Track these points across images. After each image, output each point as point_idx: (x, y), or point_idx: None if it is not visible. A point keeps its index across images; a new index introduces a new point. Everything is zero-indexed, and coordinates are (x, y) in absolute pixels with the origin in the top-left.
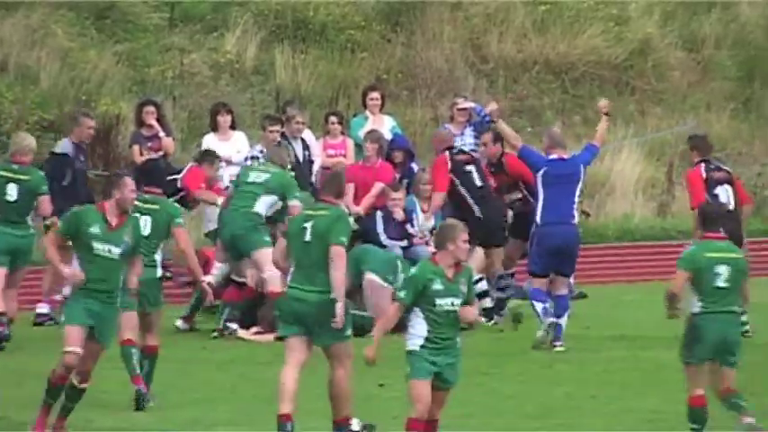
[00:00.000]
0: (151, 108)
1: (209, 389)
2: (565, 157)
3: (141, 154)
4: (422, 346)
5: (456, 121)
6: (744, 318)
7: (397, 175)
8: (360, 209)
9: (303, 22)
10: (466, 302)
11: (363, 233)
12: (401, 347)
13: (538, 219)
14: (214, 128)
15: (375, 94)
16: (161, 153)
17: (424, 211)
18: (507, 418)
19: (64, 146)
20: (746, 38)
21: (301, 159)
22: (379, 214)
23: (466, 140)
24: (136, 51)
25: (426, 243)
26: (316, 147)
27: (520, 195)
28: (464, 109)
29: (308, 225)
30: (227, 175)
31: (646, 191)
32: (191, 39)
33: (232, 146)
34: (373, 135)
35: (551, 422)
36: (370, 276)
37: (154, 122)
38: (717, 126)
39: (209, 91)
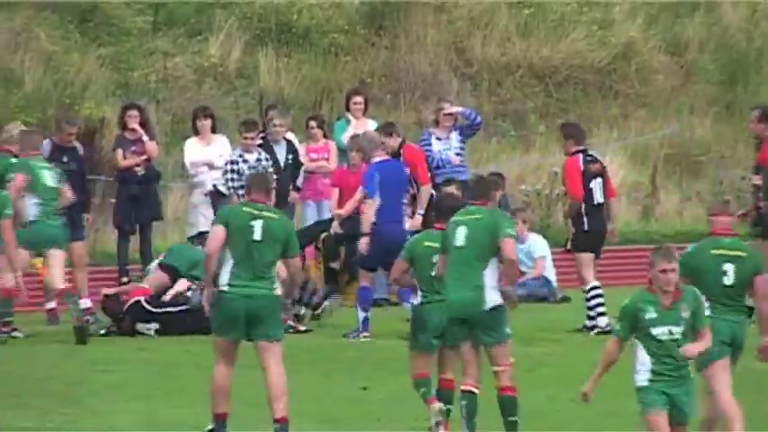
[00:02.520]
0: (134, 112)
1: (193, 391)
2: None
3: (125, 158)
4: (651, 380)
5: (441, 125)
6: None
7: None
8: (343, 211)
9: (287, 26)
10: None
11: (350, 235)
12: (385, 350)
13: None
14: (196, 132)
15: (358, 98)
16: (144, 157)
17: (409, 216)
18: (489, 423)
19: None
20: (729, 42)
21: (282, 163)
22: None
23: (452, 144)
24: (119, 55)
25: None
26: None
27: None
28: (450, 114)
29: (257, 224)
30: (209, 179)
31: (629, 195)
32: (174, 42)
33: (213, 150)
34: (357, 141)
35: (534, 426)
36: None
37: (137, 126)
38: (700, 130)
39: (192, 94)
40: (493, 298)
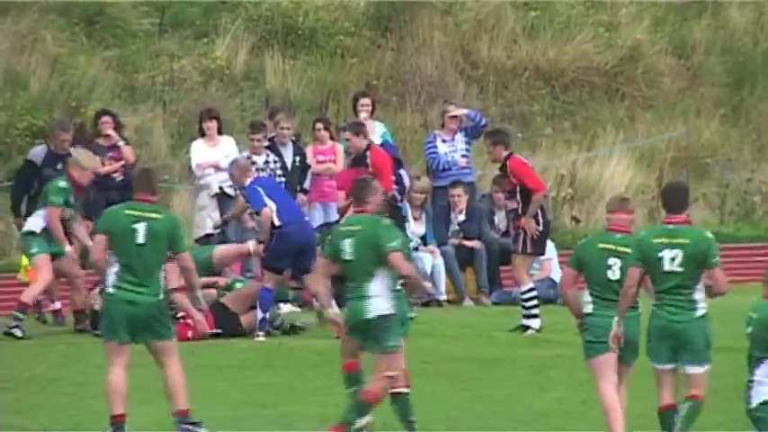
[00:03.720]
0: (107, 118)
1: (198, 393)
2: None
3: (103, 164)
4: None
5: (447, 127)
6: None
7: None
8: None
9: (293, 28)
10: None
11: None
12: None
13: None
14: (202, 134)
15: (365, 100)
16: (122, 163)
17: (415, 219)
18: (496, 424)
19: (34, 153)
20: (735, 44)
21: (290, 165)
22: None
23: (457, 147)
24: (125, 57)
25: (416, 249)
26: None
27: (515, 206)
28: (455, 116)
29: (140, 227)
30: (215, 181)
31: (636, 197)
32: (180, 44)
33: (220, 151)
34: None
35: (541, 427)
36: None
37: (111, 132)
38: (706, 132)
39: (198, 97)
40: (378, 307)
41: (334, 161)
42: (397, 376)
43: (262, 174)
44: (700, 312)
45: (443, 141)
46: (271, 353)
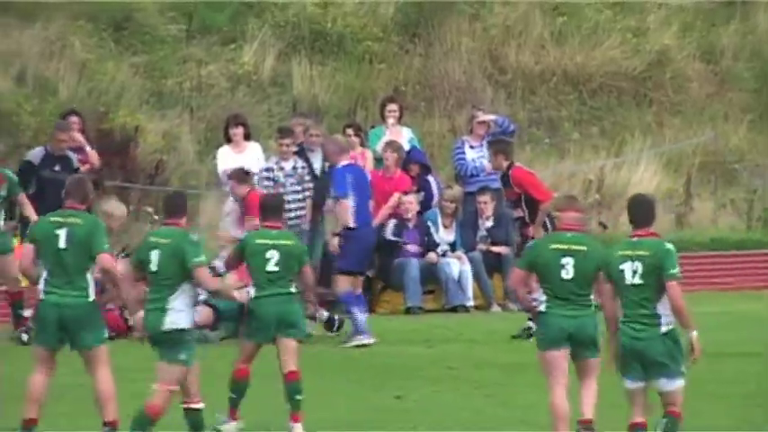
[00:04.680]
0: (75, 119)
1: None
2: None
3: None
4: None
5: (475, 133)
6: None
7: (414, 188)
8: (377, 219)
9: (320, 34)
10: None
11: (384, 242)
12: (418, 358)
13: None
14: (228, 140)
15: (393, 106)
16: (87, 166)
17: (445, 226)
18: (520, 429)
19: (32, 154)
20: (764, 49)
21: (319, 171)
22: (392, 221)
23: (485, 152)
24: (153, 63)
25: (443, 255)
26: None
27: (521, 214)
28: (483, 122)
29: (62, 232)
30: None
31: (663, 202)
32: (208, 50)
33: (246, 157)
34: (393, 145)
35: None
36: None
37: (78, 135)
38: (734, 137)
39: (226, 102)
40: (173, 320)
41: (364, 166)
42: (188, 391)
43: (289, 179)
44: (663, 329)
45: (471, 147)
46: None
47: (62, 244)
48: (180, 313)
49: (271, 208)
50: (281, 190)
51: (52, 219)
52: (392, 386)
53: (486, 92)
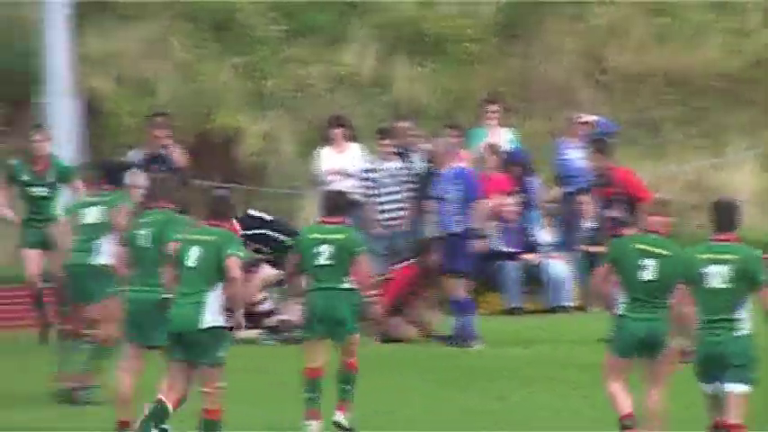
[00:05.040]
0: (162, 119)
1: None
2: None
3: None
4: None
5: (575, 134)
6: None
7: (515, 189)
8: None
9: (421, 35)
10: None
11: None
12: (516, 359)
13: None
14: (329, 141)
15: (493, 107)
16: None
17: (545, 227)
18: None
19: (130, 155)
20: None
21: (419, 171)
22: (493, 223)
23: (582, 153)
24: (254, 64)
25: (544, 256)
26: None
27: (616, 214)
28: (584, 122)
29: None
30: (342, 187)
31: (765, 204)
32: (309, 51)
33: (347, 158)
34: (494, 147)
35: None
36: None
37: (164, 134)
38: None
39: (326, 103)
40: (210, 318)
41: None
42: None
43: (389, 180)
44: (742, 333)
45: (572, 148)
46: (392, 357)
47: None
48: (216, 311)
49: (331, 205)
50: (382, 191)
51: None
52: (491, 387)
53: (586, 93)
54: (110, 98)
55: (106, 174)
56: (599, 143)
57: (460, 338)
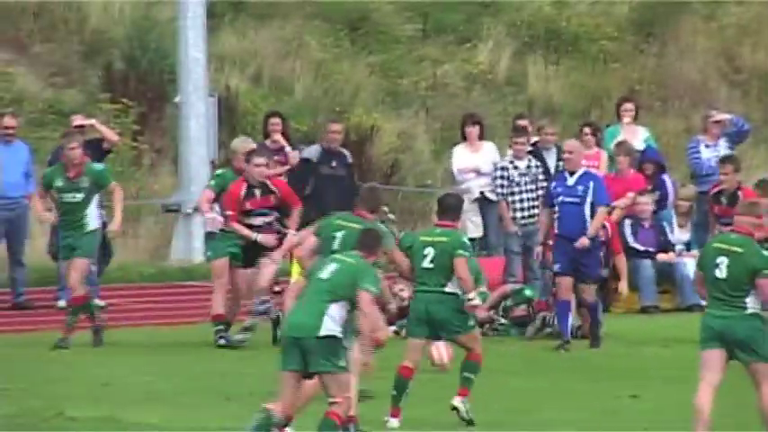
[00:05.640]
0: (276, 120)
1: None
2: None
3: (268, 167)
4: None
5: (710, 132)
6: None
7: (649, 187)
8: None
9: (555, 33)
10: None
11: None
12: (653, 359)
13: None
14: (464, 138)
15: (629, 105)
16: (287, 167)
17: (680, 226)
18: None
19: (309, 151)
20: None
21: (552, 170)
22: (627, 222)
23: (720, 152)
24: (389, 62)
25: (680, 255)
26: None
27: None
28: (718, 121)
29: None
30: (476, 186)
31: None
32: (443, 50)
33: (481, 157)
34: (624, 147)
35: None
36: None
37: (279, 136)
38: None
39: (461, 102)
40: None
41: (597, 166)
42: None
43: (523, 178)
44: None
45: (706, 146)
46: (531, 357)
47: (336, 246)
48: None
49: (447, 207)
50: (516, 189)
51: (337, 221)
52: (626, 386)
53: (720, 91)
54: (245, 97)
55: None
56: (736, 162)
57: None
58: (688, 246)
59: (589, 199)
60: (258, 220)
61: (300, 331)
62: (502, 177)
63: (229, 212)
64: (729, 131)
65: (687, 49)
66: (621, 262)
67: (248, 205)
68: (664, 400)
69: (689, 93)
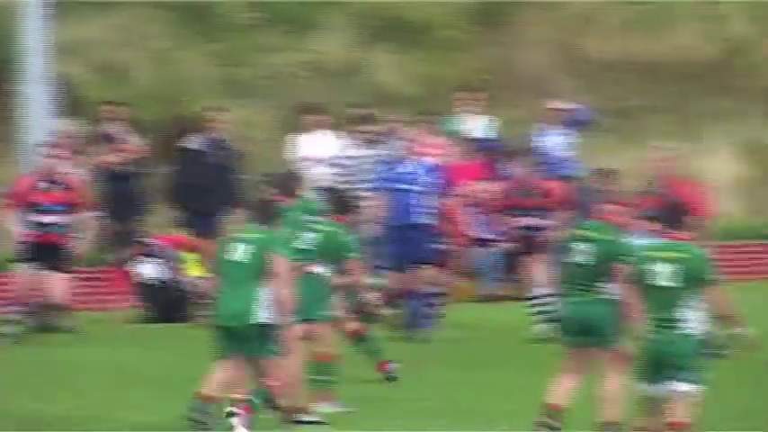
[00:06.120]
0: (110, 108)
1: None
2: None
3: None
4: None
5: (552, 121)
6: None
7: (489, 176)
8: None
9: (396, 22)
10: None
11: None
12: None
13: None
14: (304, 128)
15: (470, 94)
16: (124, 155)
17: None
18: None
19: (194, 141)
20: None
21: (392, 159)
22: (469, 210)
23: (563, 141)
24: (229, 51)
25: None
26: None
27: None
28: (561, 110)
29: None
30: (316, 174)
31: (741, 190)
32: (284, 38)
33: (321, 146)
34: (462, 136)
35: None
36: None
37: (117, 124)
38: None
39: (301, 91)
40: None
41: (438, 155)
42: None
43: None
44: (690, 331)
45: (548, 136)
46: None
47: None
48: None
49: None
50: (357, 178)
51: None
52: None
53: (563, 81)
54: (85, 85)
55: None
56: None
57: (412, 326)
58: None
59: (422, 187)
60: (47, 218)
61: (234, 320)
62: (343, 166)
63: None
64: (572, 120)
65: (529, 38)
66: (455, 248)
67: (36, 198)
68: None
69: (531, 82)
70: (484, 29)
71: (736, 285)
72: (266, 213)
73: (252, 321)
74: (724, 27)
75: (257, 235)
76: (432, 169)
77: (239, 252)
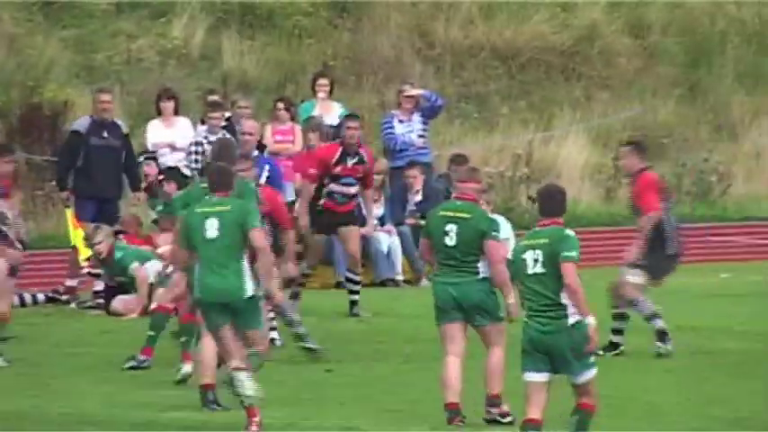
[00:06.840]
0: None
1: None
2: None
3: None
4: None
5: (403, 107)
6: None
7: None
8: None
9: (250, 8)
10: None
11: None
12: (348, 333)
13: None
14: (159, 114)
15: (323, 81)
16: None
17: (373, 200)
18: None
19: (79, 123)
20: (692, 24)
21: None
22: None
23: (414, 127)
24: (83, 37)
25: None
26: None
27: None
28: (411, 96)
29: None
30: (171, 160)
31: (592, 177)
32: (138, 24)
33: (176, 132)
34: (314, 122)
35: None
36: None
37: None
38: (663, 112)
39: (156, 77)
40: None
41: (293, 141)
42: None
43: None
44: (570, 320)
45: (400, 122)
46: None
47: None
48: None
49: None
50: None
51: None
52: (322, 361)
53: (414, 66)
54: None
55: None
56: (638, 145)
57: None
58: (381, 220)
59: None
60: None
61: (229, 295)
62: (196, 153)
63: None
64: (423, 107)
65: (381, 24)
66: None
67: None
68: (358, 374)
69: (383, 68)
70: (336, 14)
71: (588, 272)
72: (225, 181)
73: (246, 296)
74: (576, 15)
75: (226, 207)
76: (268, 160)
77: (213, 228)
